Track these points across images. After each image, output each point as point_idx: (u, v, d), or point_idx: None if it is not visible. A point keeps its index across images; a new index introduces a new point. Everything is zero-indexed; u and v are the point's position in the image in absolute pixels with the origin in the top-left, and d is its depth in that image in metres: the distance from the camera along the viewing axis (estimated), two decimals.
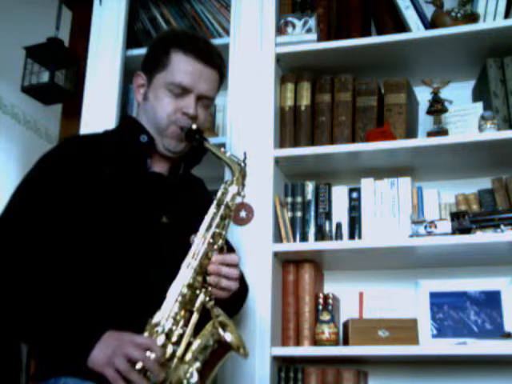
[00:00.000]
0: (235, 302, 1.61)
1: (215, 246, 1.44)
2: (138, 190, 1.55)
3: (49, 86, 2.84)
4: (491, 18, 2.12)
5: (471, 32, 2.09)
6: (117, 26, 2.33)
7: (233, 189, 1.49)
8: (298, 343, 2.05)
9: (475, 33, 2.09)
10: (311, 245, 2.11)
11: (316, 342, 2.03)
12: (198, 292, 1.40)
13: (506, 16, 2.12)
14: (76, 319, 1.36)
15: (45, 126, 4.89)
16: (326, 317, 2.04)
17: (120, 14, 2.34)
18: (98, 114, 2.24)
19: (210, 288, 1.41)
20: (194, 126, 1.55)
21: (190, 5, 2.45)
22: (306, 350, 2.03)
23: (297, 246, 2.11)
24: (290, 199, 2.19)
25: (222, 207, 1.47)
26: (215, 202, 1.48)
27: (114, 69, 2.29)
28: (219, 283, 1.42)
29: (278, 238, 2.09)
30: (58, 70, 2.86)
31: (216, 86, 1.64)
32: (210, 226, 1.45)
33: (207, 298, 1.40)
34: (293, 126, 2.20)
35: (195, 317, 1.38)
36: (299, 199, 2.18)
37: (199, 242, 1.43)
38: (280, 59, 2.23)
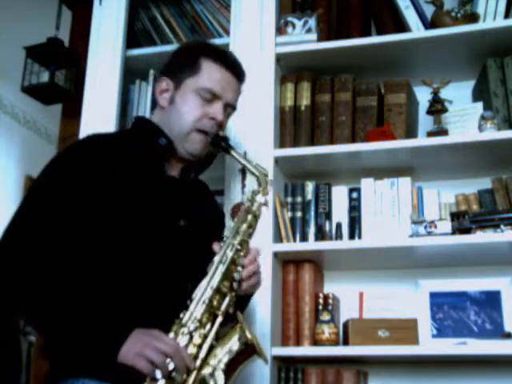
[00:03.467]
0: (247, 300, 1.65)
1: (242, 253, 1.47)
2: (156, 193, 1.55)
3: (49, 86, 2.84)
4: (491, 18, 2.12)
5: (471, 32, 2.09)
6: (117, 26, 2.33)
7: (260, 198, 1.54)
8: (298, 343, 2.05)
9: (475, 33, 2.09)
10: (311, 245, 2.11)
11: (316, 341, 2.03)
12: (223, 296, 1.43)
13: (506, 16, 2.12)
14: (102, 319, 1.36)
15: (45, 126, 4.89)
16: (325, 317, 2.04)
17: (120, 14, 2.34)
18: (98, 114, 2.24)
19: (233, 293, 1.45)
20: (221, 133, 1.59)
21: (190, 5, 2.45)
22: (306, 349, 2.03)
23: (297, 245, 2.11)
24: (290, 199, 2.19)
25: (250, 216, 1.51)
26: (244, 212, 1.52)
27: (114, 69, 2.29)
28: (250, 283, 1.48)
29: (278, 237, 2.09)
30: (58, 70, 2.85)
31: (238, 96, 1.68)
32: (237, 233, 1.48)
33: (231, 303, 1.44)
34: (293, 125, 2.20)
35: (219, 320, 1.41)
36: (299, 199, 2.18)
37: (227, 248, 1.46)
38: (280, 59, 2.23)
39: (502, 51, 2.12)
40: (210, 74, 1.59)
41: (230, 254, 1.45)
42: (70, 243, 1.43)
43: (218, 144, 1.58)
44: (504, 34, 2.08)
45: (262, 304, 1.95)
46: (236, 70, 1.65)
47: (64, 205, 1.44)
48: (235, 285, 1.45)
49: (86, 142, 1.59)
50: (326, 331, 2.01)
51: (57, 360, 1.44)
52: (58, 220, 1.43)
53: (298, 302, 2.08)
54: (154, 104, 2.30)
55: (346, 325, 2.10)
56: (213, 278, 1.42)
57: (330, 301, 2.08)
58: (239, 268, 1.46)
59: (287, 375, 2.01)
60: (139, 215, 1.49)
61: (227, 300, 1.44)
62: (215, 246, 1.47)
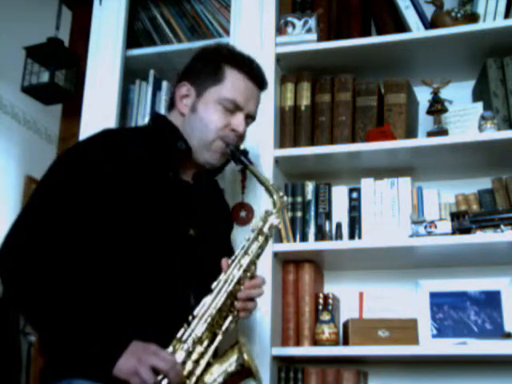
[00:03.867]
0: None
1: (248, 274, 1.47)
2: (169, 198, 1.53)
3: (49, 86, 2.84)
4: (491, 18, 2.12)
5: (471, 32, 2.09)
6: (117, 26, 2.33)
7: (272, 220, 1.52)
8: (298, 343, 2.05)
9: (475, 33, 2.09)
10: (311, 245, 2.11)
11: (316, 341, 2.03)
12: (226, 315, 1.44)
13: (506, 16, 2.12)
14: (103, 327, 1.35)
15: (45, 126, 4.89)
16: (325, 317, 2.04)
17: (120, 14, 2.34)
18: (98, 114, 2.24)
19: (235, 312, 1.45)
20: (242, 147, 1.58)
21: (190, 5, 2.45)
22: (306, 349, 2.03)
23: (297, 245, 2.11)
24: (290, 199, 2.19)
25: (261, 237, 1.50)
26: (256, 232, 1.51)
27: (114, 69, 2.29)
28: (246, 307, 1.47)
29: (278, 238, 2.09)
30: (58, 69, 2.85)
31: (259, 105, 1.67)
32: (246, 254, 1.48)
33: (232, 321, 1.45)
34: (293, 125, 2.20)
35: (219, 339, 1.41)
36: (299, 199, 2.18)
37: (235, 268, 1.46)
38: (280, 59, 2.23)
39: (502, 51, 2.12)
40: (234, 84, 1.58)
41: (237, 274, 1.45)
42: (75, 244, 1.42)
43: (238, 158, 1.57)
44: (504, 34, 2.08)
45: (262, 304, 1.94)
46: (259, 80, 1.63)
47: (68, 206, 1.42)
48: (237, 304, 1.45)
49: (96, 140, 1.54)
50: (326, 331, 2.01)
51: (54, 359, 1.44)
52: (63, 220, 1.42)
53: (298, 302, 2.08)
54: (152, 106, 2.34)
55: (345, 325, 2.10)
56: (217, 297, 1.42)
57: (330, 301, 2.08)
58: (243, 287, 1.46)
59: (287, 375, 2.01)
60: (150, 219, 1.47)
61: (229, 319, 1.44)
62: (223, 263, 1.46)
